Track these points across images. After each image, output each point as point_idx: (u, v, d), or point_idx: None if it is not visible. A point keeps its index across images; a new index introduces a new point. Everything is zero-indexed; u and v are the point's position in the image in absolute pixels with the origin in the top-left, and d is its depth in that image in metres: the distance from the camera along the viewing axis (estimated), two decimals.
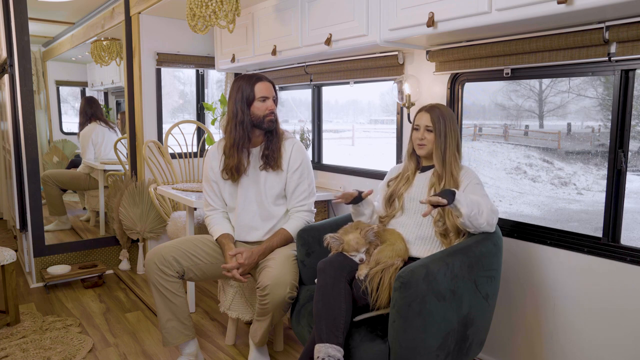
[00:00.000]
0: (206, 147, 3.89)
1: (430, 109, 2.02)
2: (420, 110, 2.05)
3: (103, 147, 4.21)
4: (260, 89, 2.22)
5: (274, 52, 2.98)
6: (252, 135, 2.25)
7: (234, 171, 2.26)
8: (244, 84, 2.23)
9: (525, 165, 5.09)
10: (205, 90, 4.22)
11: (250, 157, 2.28)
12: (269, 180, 2.28)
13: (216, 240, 2.31)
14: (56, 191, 4.16)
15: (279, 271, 2.05)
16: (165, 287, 2.16)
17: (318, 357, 1.70)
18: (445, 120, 1.98)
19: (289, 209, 2.34)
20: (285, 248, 2.24)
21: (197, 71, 4.15)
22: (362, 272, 1.82)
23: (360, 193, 2.00)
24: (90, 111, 4.26)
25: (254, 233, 2.32)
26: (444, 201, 1.70)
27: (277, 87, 2.37)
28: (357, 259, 1.88)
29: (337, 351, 1.70)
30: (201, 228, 3.07)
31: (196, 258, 2.23)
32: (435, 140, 1.98)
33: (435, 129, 1.98)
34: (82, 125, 4.29)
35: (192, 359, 2.26)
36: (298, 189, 2.30)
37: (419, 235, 1.96)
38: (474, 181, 1.94)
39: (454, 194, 1.74)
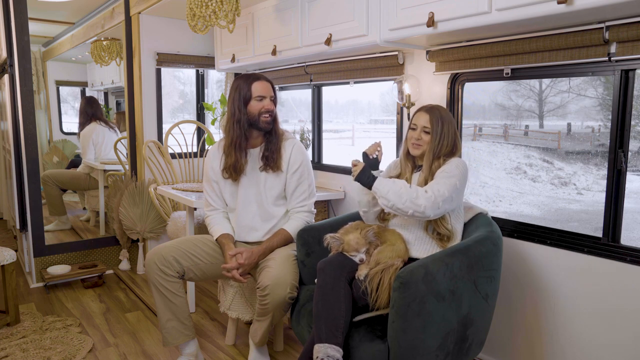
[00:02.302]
0: (206, 147, 3.89)
1: (430, 109, 1.97)
2: (419, 110, 2.01)
3: (103, 147, 4.21)
4: (257, 88, 2.21)
5: (274, 52, 2.98)
6: (250, 135, 2.25)
7: (232, 170, 2.26)
8: (242, 83, 2.23)
9: (525, 165, 5.09)
10: (205, 90, 4.22)
11: (249, 157, 2.28)
12: (269, 181, 2.29)
13: (216, 240, 2.31)
14: (56, 191, 4.16)
15: (279, 271, 2.05)
16: (166, 287, 2.16)
17: (317, 357, 1.70)
18: (444, 124, 1.94)
19: (289, 210, 2.34)
20: (285, 248, 2.24)
21: (197, 71, 4.15)
22: (361, 272, 1.82)
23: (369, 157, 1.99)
24: (91, 111, 4.26)
25: (254, 233, 2.32)
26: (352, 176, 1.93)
27: (276, 87, 2.35)
28: (357, 259, 1.88)
29: (336, 351, 1.70)
30: (201, 228, 3.07)
31: (196, 258, 2.23)
32: (431, 143, 1.94)
33: (433, 131, 1.94)
34: (82, 125, 4.29)
35: (192, 359, 2.26)
36: (298, 189, 2.30)
37: (418, 236, 1.96)
38: (446, 169, 1.89)
39: (373, 182, 1.88)
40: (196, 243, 2.28)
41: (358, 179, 1.92)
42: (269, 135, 2.26)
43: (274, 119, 2.26)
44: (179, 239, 2.31)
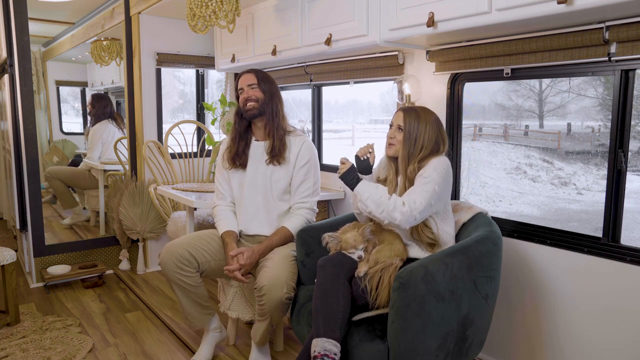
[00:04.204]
0: (206, 147, 3.89)
1: (408, 109, 1.92)
2: (398, 109, 1.97)
3: (110, 147, 4.21)
4: (239, 81, 2.34)
5: (274, 52, 2.98)
6: (254, 125, 2.36)
7: (232, 160, 2.35)
8: (236, 81, 2.38)
9: (525, 165, 5.08)
10: (205, 90, 4.22)
11: (253, 148, 2.36)
12: (275, 173, 2.32)
13: (221, 236, 2.32)
14: (62, 185, 4.19)
15: (276, 272, 2.06)
16: (186, 282, 2.19)
17: (315, 351, 1.70)
18: (419, 124, 1.87)
19: (291, 205, 2.35)
20: (284, 248, 2.24)
21: (197, 71, 4.14)
22: (361, 270, 1.83)
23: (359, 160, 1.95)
24: (105, 110, 4.25)
25: (255, 225, 2.35)
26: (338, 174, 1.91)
27: (265, 76, 2.35)
28: (355, 256, 1.88)
29: (333, 345, 1.69)
30: (201, 228, 3.07)
31: (208, 255, 2.26)
32: (404, 143, 1.88)
33: (406, 130, 1.88)
34: (94, 121, 4.27)
35: (218, 331, 2.39)
36: (303, 185, 2.31)
37: (408, 240, 1.95)
38: (425, 174, 1.83)
39: (356, 184, 1.86)
40: (208, 240, 2.31)
41: (343, 177, 1.90)
42: (273, 129, 2.30)
43: (263, 107, 2.29)
44: (191, 236, 2.33)
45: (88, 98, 4.41)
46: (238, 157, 2.35)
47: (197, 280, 2.23)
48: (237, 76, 2.39)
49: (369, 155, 1.96)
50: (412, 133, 1.88)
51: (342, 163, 1.92)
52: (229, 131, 2.45)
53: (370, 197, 1.82)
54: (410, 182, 1.87)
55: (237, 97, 2.36)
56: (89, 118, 4.36)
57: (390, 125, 1.97)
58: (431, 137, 1.89)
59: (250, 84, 2.30)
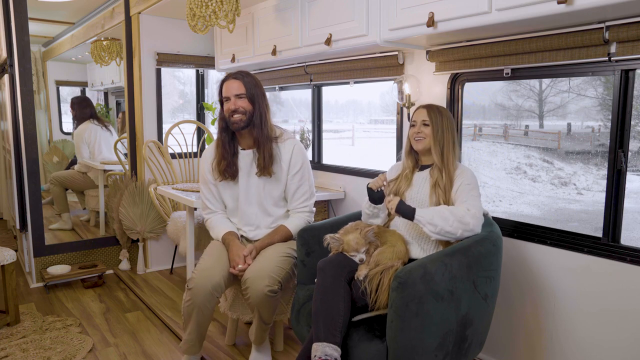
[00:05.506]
0: (206, 147, 3.88)
1: (428, 105, 2.03)
2: (417, 108, 2.05)
3: (97, 147, 4.20)
4: (224, 89, 2.19)
5: (274, 52, 2.98)
6: (239, 135, 2.24)
7: (221, 172, 2.25)
8: (220, 84, 2.22)
9: (525, 165, 5.08)
10: (205, 90, 4.22)
11: (241, 158, 2.26)
12: (268, 184, 2.28)
13: (222, 238, 2.30)
14: (62, 191, 4.21)
15: (260, 265, 2.07)
16: (207, 308, 2.12)
17: (315, 356, 1.70)
18: (442, 117, 1.98)
19: (290, 210, 2.34)
20: (280, 245, 2.25)
21: (197, 71, 4.15)
22: (361, 273, 1.82)
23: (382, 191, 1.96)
24: (85, 110, 4.26)
25: (257, 232, 2.33)
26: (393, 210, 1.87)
27: (253, 82, 2.19)
28: (357, 259, 1.88)
29: (334, 350, 1.70)
30: (201, 228, 3.07)
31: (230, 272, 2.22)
32: (433, 134, 1.96)
33: (433, 123, 1.96)
34: (77, 124, 4.29)
35: (199, 357, 2.29)
36: (299, 191, 2.30)
37: (416, 234, 1.96)
38: (465, 182, 1.90)
39: (413, 212, 1.82)
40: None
41: (398, 210, 1.87)
42: (262, 141, 2.20)
43: (250, 119, 2.16)
44: (216, 255, 2.22)
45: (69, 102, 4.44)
46: (228, 168, 2.23)
47: (214, 305, 2.16)
48: (224, 78, 2.21)
49: (382, 187, 1.96)
50: (439, 126, 1.97)
51: (389, 201, 1.89)
52: (216, 139, 2.29)
53: (435, 215, 1.81)
54: (447, 171, 1.94)
55: (221, 102, 2.20)
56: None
57: (413, 124, 2.02)
58: (453, 130, 2.00)
59: (238, 93, 2.15)
